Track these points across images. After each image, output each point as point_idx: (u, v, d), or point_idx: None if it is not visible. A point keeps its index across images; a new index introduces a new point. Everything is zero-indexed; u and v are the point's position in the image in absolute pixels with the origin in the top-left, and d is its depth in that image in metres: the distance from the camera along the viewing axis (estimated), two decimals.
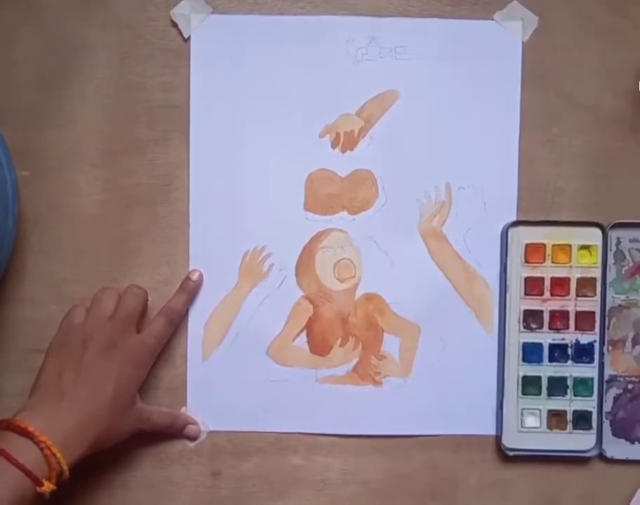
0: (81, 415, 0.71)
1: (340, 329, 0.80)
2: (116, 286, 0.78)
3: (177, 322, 0.79)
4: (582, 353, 0.80)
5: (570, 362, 0.80)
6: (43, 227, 0.79)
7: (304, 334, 0.80)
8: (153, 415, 0.78)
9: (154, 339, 0.77)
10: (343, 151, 0.80)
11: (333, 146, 0.80)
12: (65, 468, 0.67)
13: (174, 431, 0.79)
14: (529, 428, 0.80)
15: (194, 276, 0.79)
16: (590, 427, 0.80)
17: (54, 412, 0.70)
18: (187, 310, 0.80)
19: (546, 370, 0.80)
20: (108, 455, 0.78)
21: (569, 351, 0.80)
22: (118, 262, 0.80)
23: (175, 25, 0.78)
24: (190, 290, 0.79)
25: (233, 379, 0.80)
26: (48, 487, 0.66)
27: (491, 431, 0.80)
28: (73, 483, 0.78)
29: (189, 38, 0.78)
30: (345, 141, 0.80)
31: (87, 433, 0.71)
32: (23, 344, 0.79)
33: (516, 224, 0.80)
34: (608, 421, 0.80)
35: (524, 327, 0.80)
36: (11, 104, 0.78)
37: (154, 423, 0.78)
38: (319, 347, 0.80)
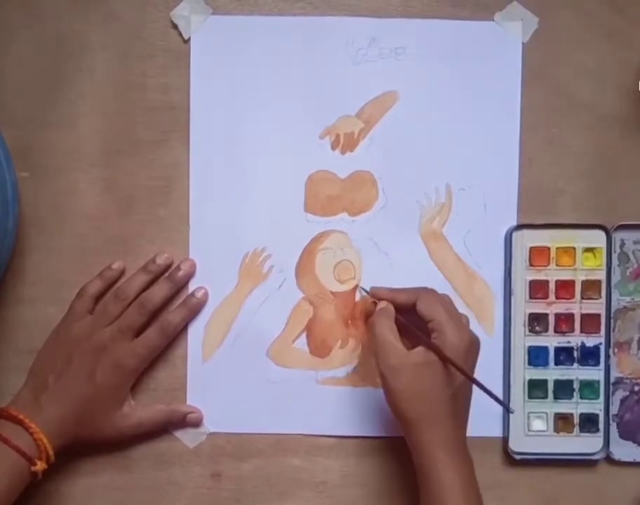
0: (60, 408, 0.74)
1: (340, 330, 0.80)
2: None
3: (172, 336, 0.79)
4: (588, 355, 0.79)
5: (576, 365, 0.79)
6: (43, 228, 0.79)
7: (304, 336, 0.80)
8: (143, 419, 0.78)
9: (146, 349, 0.77)
10: (343, 152, 0.80)
11: (333, 147, 0.80)
12: (51, 452, 0.73)
13: (174, 425, 0.79)
14: (536, 431, 0.79)
15: (199, 294, 0.79)
16: (597, 430, 0.79)
17: (37, 402, 0.74)
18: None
19: (552, 373, 0.79)
20: (108, 456, 0.79)
21: (575, 353, 0.79)
22: None
23: (175, 26, 0.79)
24: (192, 306, 0.79)
25: (233, 381, 0.79)
26: (40, 466, 0.71)
27: (492, 433, 0.80)
28: (73, 484, 0.78)
29: (189, 39, 0.79)
30: (345, 142, 0.80)
31: (66, 426, 0.74)
32: (22, 345, 0.79)
33: (519, 227, 0.79)
34: (614, 424, 0.79)
35: (529, 331, 0.79)
36: (11, 104, 0.79)
37: (146, 426, 0.78)
38: (319, 348, 0.80)
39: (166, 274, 0.79)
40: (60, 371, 0.75)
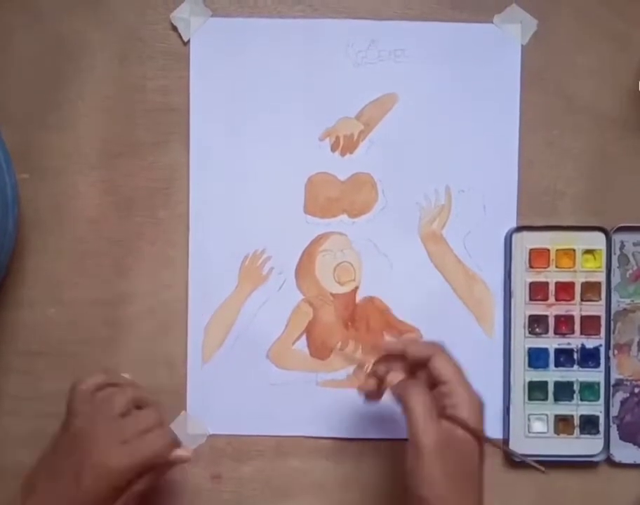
0: None
1: (340, 332, 0.80)
2: (114, 287, 0.79)
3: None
4: (588, 357, 0.79)
5: (576, 366, 0.79)
6: (43, 229, 0.79)
7: (304, 338, 0.80)
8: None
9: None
10: (343, 154, 0.80)
11: (333, 149, 0.80)
12: None
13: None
14: (536, 433, 0.79)
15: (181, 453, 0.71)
16: (597, 431, 0.79)
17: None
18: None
19: (552, 375, 0.79)
20: None
21: (575, 355, 0.79)
22: (118, 265, 0.79)
23: (174, 28, 0.79)
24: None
25: (233, 383, 0.79)
26: None
27: (493, 434, 0.78)
28: None
29: (188, 41, 0.79)
30: (345, 144, 0.80)
31: None
32: (22, 346, 0.79)
33: (519, 229, 0.79)
34: (615, 426, 0.79)
35: (529, 333, 0.79)
36: (11, 106, 0.79)
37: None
38: (319, 350, 0.80)
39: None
40: (44, 475, 0.68)
